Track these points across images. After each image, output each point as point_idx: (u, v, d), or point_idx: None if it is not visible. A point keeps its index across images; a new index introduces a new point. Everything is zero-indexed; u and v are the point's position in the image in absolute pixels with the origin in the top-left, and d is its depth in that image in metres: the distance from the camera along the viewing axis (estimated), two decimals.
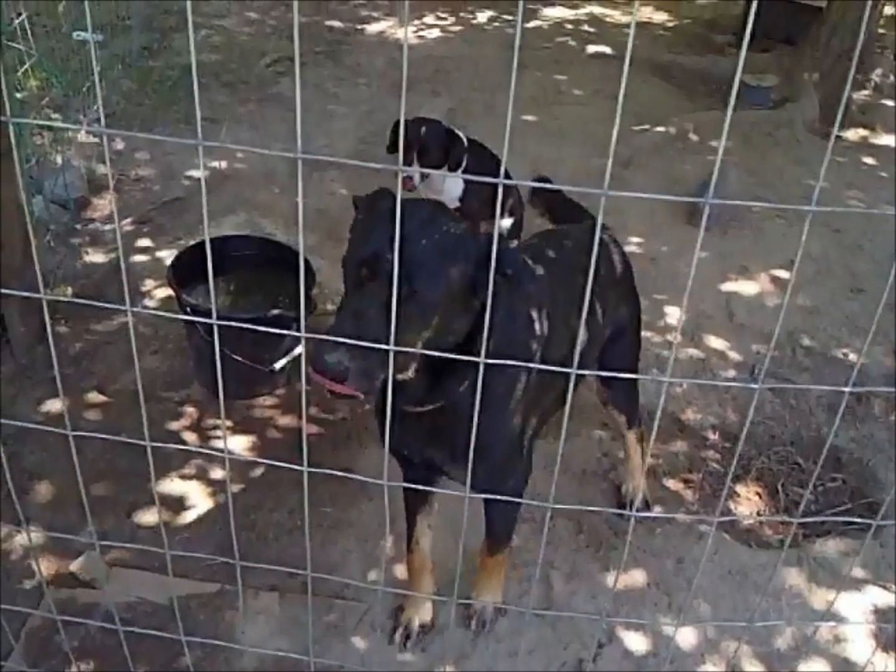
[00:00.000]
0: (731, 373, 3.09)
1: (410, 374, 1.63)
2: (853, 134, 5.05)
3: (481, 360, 1.02)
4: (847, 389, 1.00)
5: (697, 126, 4.83)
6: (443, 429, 1.76)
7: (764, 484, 2.65)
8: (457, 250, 1.49)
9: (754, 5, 0.85)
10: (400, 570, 2.29)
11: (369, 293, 1.43)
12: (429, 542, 2.15)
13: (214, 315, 0.92)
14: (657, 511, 2.52)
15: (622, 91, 0.87)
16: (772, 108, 5.14)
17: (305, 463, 1.03)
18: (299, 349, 2.81)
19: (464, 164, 3.35)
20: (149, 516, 2.42)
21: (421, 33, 6.18)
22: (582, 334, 1.99)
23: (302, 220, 0.86)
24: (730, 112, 0.84)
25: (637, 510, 2.46)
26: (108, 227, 3.64)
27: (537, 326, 1.83)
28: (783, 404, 2.94)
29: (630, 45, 0.82)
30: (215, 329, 0.93)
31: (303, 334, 0.91)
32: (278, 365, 2.74)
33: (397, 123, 3.42)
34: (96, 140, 4.13)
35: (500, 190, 0.88)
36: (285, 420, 2.81)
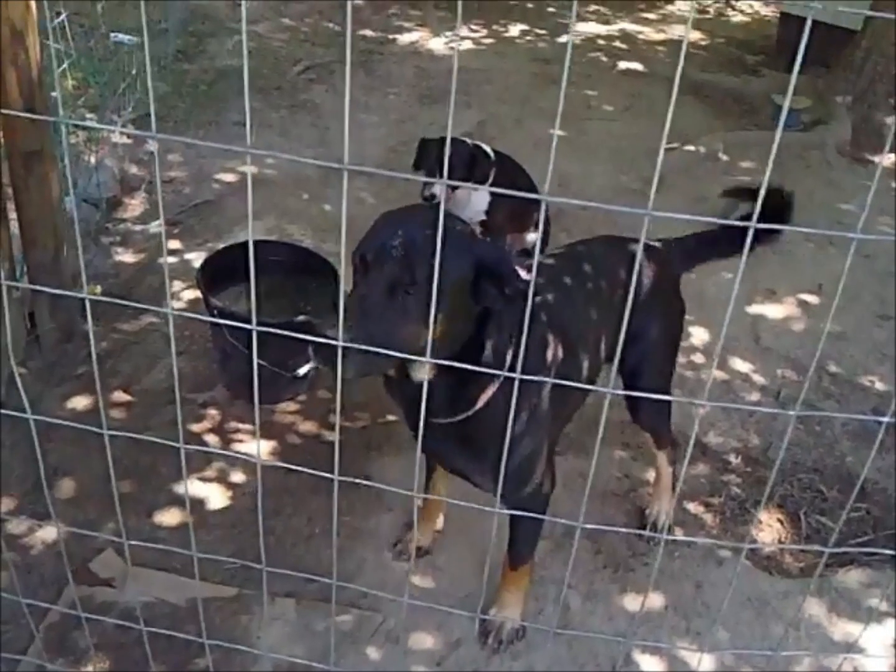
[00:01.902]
0: (756, 396, 3.07)
1: (427, 376, 1.65)
2: (885, 159, 5.00)
3: (517, 375, 1.02)
4: (886, 420, 0.98)
5: (727, 146, 4.81)
6: (466, 440, 1.79)
7: (786, 511, 2.62)
8: (459, 250, 1.54)
9: (807, 30, 0.84)
10: (415, 582, 2.29)
11: (373, 280, 1.50)
12: (445, 489, 2.30)
13: (254, 321, 0.92)
14: (677, 534, 2.50)
15: (670, 112, 0.87)
16: (803, 131, 5.12)
17: (336, 472, 1.03)
18: None
19: (490, 179, 3.35)
20: (168, 517, 2.44)
21: (453, 44, 6.20)
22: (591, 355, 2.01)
23: (345, 231, 0.86)
24: (778, 134, 0.84)
25: (654, 529, 2.47)
26: (138, 227, 3.68)
27: (549, 354, 1.84)
28: (807, 431, 2.91)
29: (679, 69, 0.81)
30: (254, 335, 0.93)
31: (339, 343, 0.91)
32: (302, 371, 2.75)
33: (423, 141, 3.42)
34: (129, 141, 4.18)
35: (543, 206, 0.88)
36: (306, 426, 2.81)
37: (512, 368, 1.69)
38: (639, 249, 0.93)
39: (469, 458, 1.86)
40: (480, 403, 1.71)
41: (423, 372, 1.66)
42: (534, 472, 1.91)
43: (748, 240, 0.91)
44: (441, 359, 1.49)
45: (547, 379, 1.80)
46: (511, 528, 2.03)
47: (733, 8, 7.63)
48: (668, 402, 2.36)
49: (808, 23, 0.88)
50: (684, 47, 0.84)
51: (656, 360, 2.25)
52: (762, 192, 0.91)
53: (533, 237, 3.69)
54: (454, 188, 3.30)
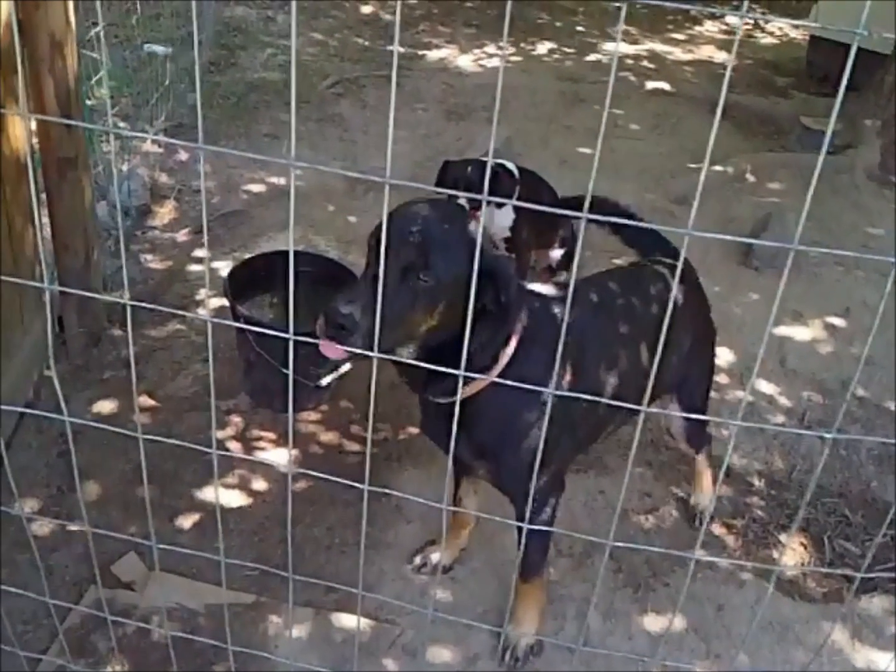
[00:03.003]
0: (780, 418, 3.04)
1: (407, 356, 1.70)
2: None
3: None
4: None
5: (755, 167, 4.79)
6: (461, 424, 1.80)
7: (810, 535, 2.59)
8: (471, 247, 1.58)
9: (852, 54, 0.84)
10: (436, 594, 2.28)
11: (388, 262, 1.53)
12: (473, 503, 2.30)
13: (291, 330, 0.93)
14: (700, 554, 2.47)
15: (714, 132, 0.87)
16: (832, 154, 5.09)
17: (367, 482, 1.03)
18: (346, 366, 2.83)
19: (514, 196, 3.34)
20: (189, 522, 2.45)
21: (480, 62, 6.25)
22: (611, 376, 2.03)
23: (385, 243, 0.87)
24: (822, 158, 0.84)
25: (701, 520, 2.55)
26: (166, 235, 3.73)
27: (566, 380, 1.86)
28: (833, 455, 2.88)
29: (723, 94, 0.82)
30: (290, 344, 0.94)
31: (375, 354, 0.91)
32: (325, 381, 2.76)
33: (446, 164, 3.41)
34: (160, 150, 4.24)
35: (584, 224, 0.89)
36: (327, 436, 2.82)
37: (507, 369, 1.75)
38: (678, 266, 0.93)
39: (463, 444, 1.89)
40: (469, 392, 1.75)
41: (404, 353, 1.71)
42: (530, 474, 1.92)
43: (789, 261, 0.90)
44: (430, 344, 1.64)
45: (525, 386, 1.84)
46: (519, 538, 2.03)
47: (762, 29, 7.63)
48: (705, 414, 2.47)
49: (854, 49, 0.87)
50: (728, 73, 0.84)
51: (698, 376, 2.34)
52: (804, 210, 0.91)
53: (558, 254, 3.69)
54: (477, 207, 3.28)
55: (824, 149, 0.83)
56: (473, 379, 1.74)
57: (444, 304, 1.59)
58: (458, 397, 1.08)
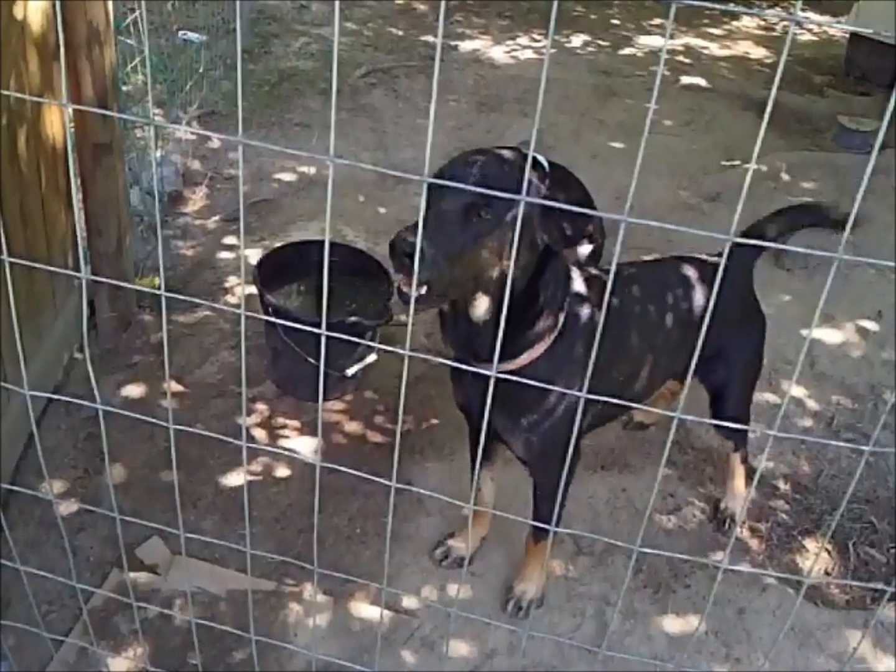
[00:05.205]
0: (808, 422, 3.00)
1: (484, 312, 1.70)
2: None
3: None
4: None
5: (790, 166, 4.71)
6: (506, 398, 1.79)
7: (834, 541, 2.56)
8: (529, 186, 1.64)
9: None
10: (452, 590, 2.29)
11: (450, 199, 1.55)
12: (491, 493, 2.34)
13: (324, 325, 0.93)
14: (718, 559, 2.45)
15: (763, 130, 0.86)
16: (869, 154, 4.99)
17: (394, 479, 1.03)
18: (372, 357, 2.84)
19: (543, 189, 3.32)
20: (213, 509, 2.47)
21: (514, 53, 6.21)
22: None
23: (421, 241, 0.87)
24: (873, 159, 0.82)
25: (730, 526, 2.51)
26: (197, 221, 3.75)
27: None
28: (860, 460, 2.84)
29: (774, 92, 0.80)
30: (323, 339, 0.94)
31: (407, 352, 0.91)
32: (350, 371, 2.77)
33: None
34: (193, 137, 4.26)
35: (623, 227, 0.88)
36: (351, 426, 2.83)
37: (563, 329, 1.78)
38: (718, 272, 0.92)
39: (505, 417, 1.90)
40: (526, 357, 1.76)
41: (481, 309, 1.70)
42: (561, 444, 1.92)
43: (832, 271, 0.89)
44: (498, 298, 1.62)
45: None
46: (535, 502, 2.10)
47: (801, 26, 7.50)
48: (748, 412, 2.47)
49: None
50: (777, 78, 0.82)
51: (735, 374, 2.35)
52: (853, 212, 0.90)
53: (586, 249, 3.66)
54: None
55: (876, 150, 0.82)
56: (533, 346, 1.76)
57: (510, 245, 1.59)
58: (495, 369, 1.05)
